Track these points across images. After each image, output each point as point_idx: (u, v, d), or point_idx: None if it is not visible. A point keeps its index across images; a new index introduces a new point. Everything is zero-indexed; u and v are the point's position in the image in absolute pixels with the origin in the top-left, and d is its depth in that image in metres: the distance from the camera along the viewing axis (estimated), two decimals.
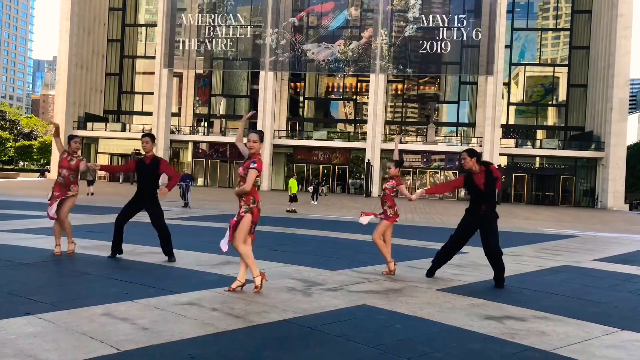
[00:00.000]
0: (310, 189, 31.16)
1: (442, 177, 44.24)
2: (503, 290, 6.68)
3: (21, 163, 69.71)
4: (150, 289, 5.48)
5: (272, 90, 43.40)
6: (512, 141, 44.53)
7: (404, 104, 49.36)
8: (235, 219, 5.54)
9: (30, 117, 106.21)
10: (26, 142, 64.46)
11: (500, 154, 41.77)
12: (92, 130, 47.25)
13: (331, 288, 5.98)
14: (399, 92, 49.26)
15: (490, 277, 7.60)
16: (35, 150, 62.94)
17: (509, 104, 47.87)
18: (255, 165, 5.46)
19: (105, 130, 47.64)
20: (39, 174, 54.65)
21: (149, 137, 7.47)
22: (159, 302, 4.88)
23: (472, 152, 6.90)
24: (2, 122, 73.57)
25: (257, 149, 5.66)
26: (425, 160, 44.18)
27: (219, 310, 4.69)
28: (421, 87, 49.16)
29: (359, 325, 4.56)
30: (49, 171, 51.14)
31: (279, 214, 19.83)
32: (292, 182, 22.90)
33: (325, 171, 45.90)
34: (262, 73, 43.44)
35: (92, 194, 26.76)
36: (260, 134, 5.78)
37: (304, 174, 45.68)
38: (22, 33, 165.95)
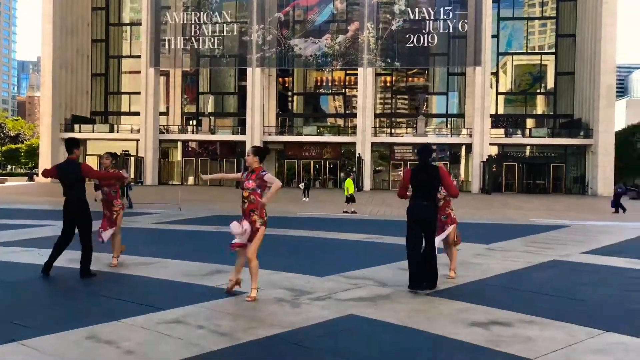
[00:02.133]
0: (302, 185, 31.12)
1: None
2: (491, 291, 6.70)
3: (9, 167, 69.11)
4: (137, 306, 5.45)
5: (260, 87, 43.23)
6: (502, 131, 44.65)
7: (393, 96, 49.36)
8: (242, 224, 5.68)
9: (17, 120, 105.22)
10: (13, 146, 63.89)
11: (491, 144, 41.87)
12: (80, 132, 46.79)
13: (319, 297, 5.98)
14: (388, 84, 49.24)
15: (480, 277, 7.65)
16: (22, 153, 62.36)
17: (498, 93, 47.97)
18: (267, 174, 5.78)
19: (93, 131, 47.27)
20: (27, 177, 54.18)
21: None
22: (145, 320, 4.86)
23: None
24: None
25: (252, 163, 5.85)
26: (416, 152, 44.22)
27: (205, 328, 4.67)
28: (410, 78, 49.15)
29: (345, 338, 4.57)
30: (37, 174, 50.73)
31: (272, 213, 19.74)
32: (349, 182, 22.18)
33: (317, 166, 45.87)
34: (249, 70, 43.25)
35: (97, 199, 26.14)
36: (255, 150, 5.96)
37: (295, 170, 45.63)
38: (4, 34, 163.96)
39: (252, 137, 42.79)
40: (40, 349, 4.06)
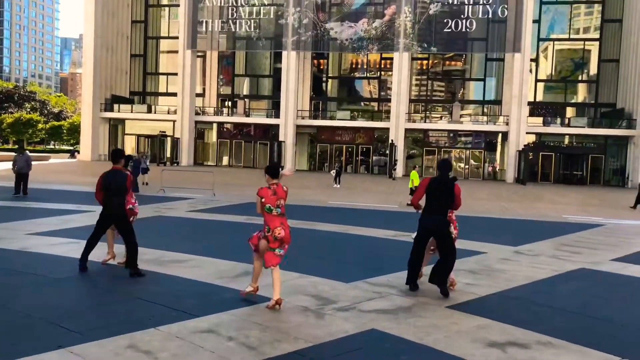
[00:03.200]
0: (333, 172, 31.32)
1: (467, 156, 43.82)
2: (512, 305, 6.82)
3: (52, 143, 71.61)
4: (172, 311, 5.81)
5: (294, 70, 43.35)
6: (540, 119, 43.66)
7: (429, 81, 48.75)
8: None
9: (60, 96, 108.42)
10: (56, 123, 66.09)
11: (528, 133, 41.09)
12: (119, 112, 48.09)
13: (343, 307, 6.24)
14: (424, 68, 48.62)
15: (503, 287, 7.76)
16: (65, 131, 64.47)
17: (537, 80, 46.81)
18: (257, 192, 6.24)
19: (132, 111, 48.38)
20: (69, 154, 56.04)
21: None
22: (180, 329, 5.21)
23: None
24: (32, 103, 75.33)
25: (267, 180, 6.32)
26: (450, 138, 43.85)
27: (234, 340, 4.99)
28: (447, 62, 48.37)
29: (365, 356, 4.82)
30: (78, 152, 52.39)
31: (303, 202, 20.04)
32: (414, 175, 21.36)
33: (350, 150, 45.90)
34: (284, 53, 43.35)
35: (146, 183, 24.96)
36: (265, 169, 6.40)
37: (327, 154, 45.84)
38: (48, 12, 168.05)
39: (286, 121, 43.12)
40: (85, 357, 4.45)
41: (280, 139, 42.85)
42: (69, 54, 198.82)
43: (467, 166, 43.45)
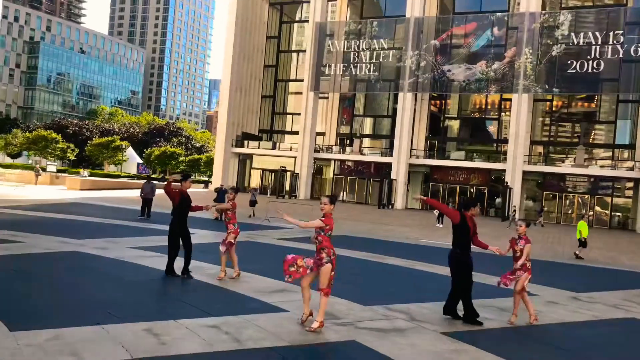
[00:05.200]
0: (436, 211, 31.28)
1: (593, 202, 40.86)
2: (513, 339, 7.05)
3: (193, 174, 79.54)
4: (198, 311, 7.08)
5: (410, 112, 44.25)
6: None
7: (552, 122, 46.58)
8: (297, 257, 6.79)
9: (204, 132, 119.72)
10: (196, 156, 73.44)
11: None
12: (248, 148, 52.46)
13: (343, 323, 7.03)
14: (548, 109, 46.64)
15: (520, 324, 7.90)
16: (202, 163, 71.35)
17: None
18: (323, 218, 6.56)
19: (259, 148, 52.53)
20: (203, 185, 61.85)
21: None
22: (192, 323, 6.43)
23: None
24: (179, 138, 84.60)
25: (327, 210, 6.72)
26: (574, 184, 41.37)
27: (229, 334, 6.08)
28: (573, 103, 45.97)
29: (326, 358, 5.62)
30: (210, 182, 57.65)
31: (392, 238, 20.61)
32: (582, 225, 19.26)
33: (464, 190, 45.15)
34: (400, 94, 44.51)
35: (249, 216, 25.54)
36: (330, 198, 6.79)
37: (440, 194, 45.54)
38: (201, 57, 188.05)
39: (399, 159, 43.89)
40: (110, 331, 5.85)
41: (392, 177, 43.64)
42: (216, 94, 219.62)
43: (592, 213, 40.46)
